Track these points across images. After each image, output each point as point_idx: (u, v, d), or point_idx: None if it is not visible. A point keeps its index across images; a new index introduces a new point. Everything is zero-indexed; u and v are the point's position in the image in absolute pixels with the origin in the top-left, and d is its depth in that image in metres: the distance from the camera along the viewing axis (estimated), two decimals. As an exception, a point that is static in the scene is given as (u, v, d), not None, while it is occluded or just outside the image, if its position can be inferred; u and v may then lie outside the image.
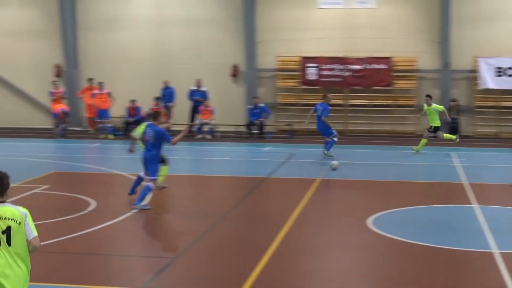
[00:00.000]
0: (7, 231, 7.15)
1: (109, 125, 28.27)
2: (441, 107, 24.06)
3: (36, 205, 15.67)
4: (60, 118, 27.84)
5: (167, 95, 28.73)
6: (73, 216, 14.52)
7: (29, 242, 7.24)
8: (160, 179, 16.36)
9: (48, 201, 16.24)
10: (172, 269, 11.14)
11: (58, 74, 30.62)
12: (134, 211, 14.89)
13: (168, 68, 29.97)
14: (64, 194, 16.74)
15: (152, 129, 15.13)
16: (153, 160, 15.20)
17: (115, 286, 10.26)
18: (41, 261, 11.43)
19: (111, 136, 27.96)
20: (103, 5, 30.50)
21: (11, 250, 7.13)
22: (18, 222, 7.21)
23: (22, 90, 31.17)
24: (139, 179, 15.94)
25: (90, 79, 29.13)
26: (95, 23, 30.45)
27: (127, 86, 29.89)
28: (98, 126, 28.86)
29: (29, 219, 7.34)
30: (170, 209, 16.07)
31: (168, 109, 27.54)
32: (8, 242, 7.13)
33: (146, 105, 27.99)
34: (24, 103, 31.29)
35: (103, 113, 28.24)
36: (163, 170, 16.71)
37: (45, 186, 17.50)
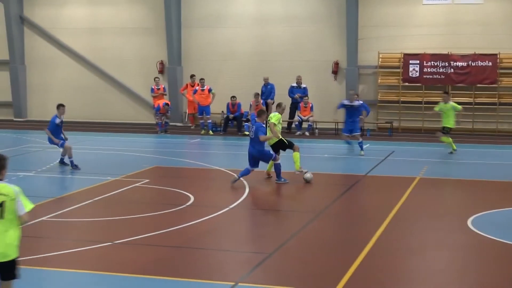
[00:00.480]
0: (1, 205, 8.05)
1: (209, 121, 28.66)
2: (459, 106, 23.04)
3: (137, 198, 16.16)
4: (162, 112, 28.38)
5: (267, 92, 28.90)
6: (172, 210, 14.83)
7: (20, 217, 8.15)
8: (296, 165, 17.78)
9: (148, 195, 16.64)
10: (268, 264, 11.21)
11: (161, 71, 31.27)
12: (233, 205, 15.08)
13: (268, 65, 30.13)
14: (163, 188, 17.08)
15: (254, 125, 16.57)
16: (261, 154, 17.03)
17: (212, 280, 10.39)
18: (140, 254, 11.77)
19: (211, 132, 28.33)
20: (207, 3, 30.90)
21: (3, 221, 8.07)
22: (11, 198, 8.09)
23: (127, 86, 31.97)
24: (247, 171, 16.99)
25: (192, 76, 29.59)
26: (199, 21, 30.91)
27: (227, 83, 30.24)
28: (199, 122, 29.30)
29: (22, 197, 8.22)
30: (267, 205, 16.13)
31: (267, 105, 27.68)
32: (1, 215, 8.05)
33: (246, 102, 28.27)
34: (128, 99, 32.09)
35: (204, 109, 28.64)
36: (295, 157, 17.85)
37: (145, 180, 17.91)
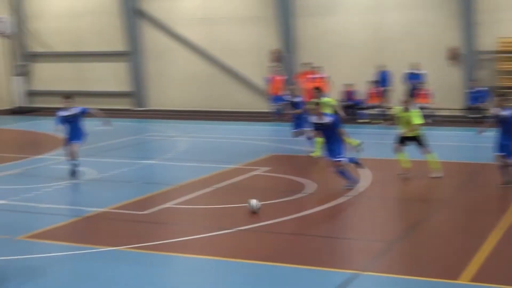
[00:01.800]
0: None
1: (325, 109, 28.55)
2: None
3: (257, 186, 16.34)
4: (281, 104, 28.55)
5: (383, 79, 28.64)
6: (291, 198, 14.93)
7: None
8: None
9: (268, 182, 16.78)
10: (389, 253, 11.16)
11: (277, 59, 31.37)
12: (353, 194, 15.05)
13: (384, 52, 29.74)
14: (283, 176, 17.19)
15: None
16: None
17: (334, 268, 10.44)
18: (261, 241, 11.92)
19: (327, 119, 28.22)
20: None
21: None
22: None
23: (241, 75, 32.29)
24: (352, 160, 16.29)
25: (307, 64, 29.57)
26: (312, 9, 30.83)
27: (343, 70, 30.05)
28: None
29: None
30: (388, 194, 15.92)
31: (384, 93, 27.35)
32: None
33: (362, 89, 28.12)
34: (243, 87, 32.38)
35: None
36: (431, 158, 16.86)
37: (265, 168, 18.09)
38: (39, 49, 35.79)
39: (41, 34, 35.32)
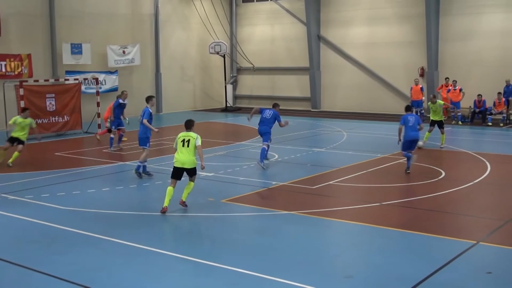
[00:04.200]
0: (188, 141, 11.86)
1: (459, 114, 27.33)
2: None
3: (399, 171, 15.94)
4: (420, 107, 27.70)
5: (508, 92, 26.94)
6: (427, 181, 14.46)
7: (197, 147, 11.83)
8: None
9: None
10: (505, 229, 10.51)
11: (422, 74, 30.40)
12: (477, 180, 14.31)
13: (510, 69, 27.87)
14: (420, 164, 16.66)
15: None
16: None
17: (458, 238, 10.06)
18: (401, 213, 11.67)
19: (460, 123, 27.02)
20: (460, 21, 29.35)
21: (189, 149, 11.82)
22: (193, 137, 11.86)
23: (394, 86, 31.55)
24: None
25: (446, 78, 28.39)
26: (454, 35, 29.50)
27: (475, 84, 28.53)
28: (451, 115, 28.02)
29: (199, 138, 11.94)
30: (504, 182, 14.91)
31: (509, 103, 25.66)
32: (188, 145, 11.80)
33: (490, 99, 26.62)
34: (395, 95, 31.64)
35: (455, 105, 27.36)
36: None
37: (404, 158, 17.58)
38: (245, 65, 36.94)
39: (247, 54, 36.41)
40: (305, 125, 26.80)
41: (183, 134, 12.01)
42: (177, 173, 11.88)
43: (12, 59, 25.40)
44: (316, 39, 33.74)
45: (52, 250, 9.47)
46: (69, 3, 28.20)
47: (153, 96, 15.76)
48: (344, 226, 10.92)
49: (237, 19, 37.61)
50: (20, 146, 17.25)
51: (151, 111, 15.48)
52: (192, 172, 11.94)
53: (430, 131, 20.31)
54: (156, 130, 15.78)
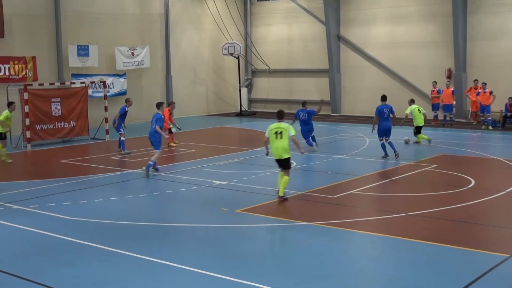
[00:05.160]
0: (281, 132, 13.29)
1: (489, 118, 27.12)
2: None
3: (425, 180, 15.85)
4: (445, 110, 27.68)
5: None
6: (455, 190, 14.33)
7: (290, 138, 13.27)
8: None
9: (435, 177, 16.22)
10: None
11: (449, 76, 30.22)
12: (509, 189, 14.16)
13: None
14: (449, 172, 16.56)
15: None
16: None
17: (489, 251, 9.91)
18: (424, 224, 11.57)
19: (490, 128, 26.80)
20: (489, 20, 29.16)
21: (282, 140, 13.30)
22: (285, 129, 13.30)
23: (417, 88, 31.39)
24: None
25: (475, 80, 28.20)
26: (482, 34, 29.33)
27: (506, 86, 28.30)
28: (480, 119, 27.83)
29: (291, 128, 13.36)
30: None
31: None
32: (281, 137, 13.26)
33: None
34: (420, 99, 31.42)
35: (485, 108, 27.16)
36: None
37: (433, 165, 17.50)
38: (260, 67, 36.98)
39: (263, 55, 36.46)
40: (324, 130, 26.72)
41: (275, 126, 13.45)
42: (279, 163, 13.52)
43: (16, 62, 25.66)
44: (335, 39, 33.71)
45: (58, 262, 9.51)
46: (75, 3, 28.44)
47: (163, 103, 17.78)
48: (367, 238, 10.85)
49: (252, 18, 37.70)
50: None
51: (163, 116, 17.10)
52: (286, 163, 13.41)
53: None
54: (167, 137, 16.99)
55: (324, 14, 33.46)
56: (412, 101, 23.07)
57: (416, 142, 22.20)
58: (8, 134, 20.22)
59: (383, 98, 19.35)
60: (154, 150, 16.99)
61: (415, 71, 31.52)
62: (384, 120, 18.80)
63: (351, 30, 33.58)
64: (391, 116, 18.94)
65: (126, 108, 20.67)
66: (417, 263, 9.42)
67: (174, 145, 22.23)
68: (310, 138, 20.74)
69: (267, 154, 14.01)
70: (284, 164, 13.41)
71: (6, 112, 19.55)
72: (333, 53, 33.56)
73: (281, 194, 13.36)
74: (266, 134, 13.66)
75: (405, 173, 16.53)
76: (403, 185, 15.19)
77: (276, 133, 13.36)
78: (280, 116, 13.60)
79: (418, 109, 22.50)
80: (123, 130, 20.58)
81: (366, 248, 10.44)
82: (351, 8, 33.48)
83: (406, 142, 22.02)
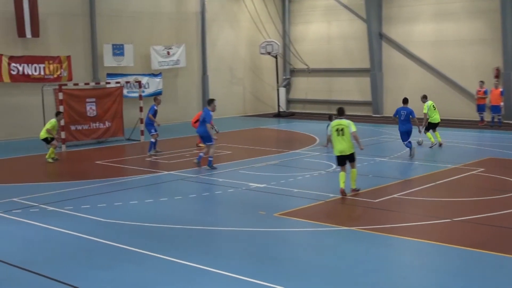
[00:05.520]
0: (342, 129, 14.02)
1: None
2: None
3: (471, 184, 15.58)
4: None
5: None
6: (503, 196, 14.05)
7: (352, 133, 14.05)
8: None
9: (482, 181, 15.95)
10: None
11: (497, 76, 29.68)
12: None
13: None
14: (497, 176, 16.25)
15: None
16: None
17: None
18: (473, 231, 11.36)
19: (541, 130, 26.26)
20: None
21: (344, 137, 14.05)
22: (346, 125, 14.01)
23: (464, 88, 30.93)
24: None
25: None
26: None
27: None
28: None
29: (352, 125, 14.13)
30: None
31: None
32: (342, 133, 14.02)
33: None
34: (465, 98, 31.03)
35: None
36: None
37: (480, 169, 17.20)
38: (299, 66, 36.92)
39: (301, 54, 36.39)
40: (365, 132, 26.49)
41: (336, 123, 14.17)
42: (341, 160, 14.18)
43: (51, 61, 26.13)
44: (377, 38, 33.45)
45: (92, 265, 9.62)
46: (110, 2, 28.83)
47: (214, 99, 18.43)
48: (410, 244, 10.70)
49: (290, 16, 37.66)
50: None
51: (212, 114, 17.92)
52: (351, 158, 14.19)
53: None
54: (215, 135, 18.31)
55: (365, 11, 33.24)
56: (425, 97, 22.51)
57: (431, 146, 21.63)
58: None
59: (405, 101, 20.21)
60: (207, 144, 17.99)
61: (461, 70, 31.07)
62: (401, 122, 19.67)
63: (393, 28, 33.28)
64: (411, 118, 19.66)
65: (155, 107, 20.79)
66: (463, 272, 9.25)
67: (202, 146, 22.19)
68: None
69: (326, 146, 15.26)
70: (349, 158, 14.22)
71: (53, 121, 20.30)
72: (375, 51, 33.30)
73: (353, 186, 14.26)
74: (328, 132, 14.54)
75: (451, 177, 16.27)
76: (448, 190, 14.95)
77: (337, 130, 14.09)
78: (340, 112, 14.38)
79: (433, 106, 22.08)
80: (156, 130, 20.65)
81: (410, 255, 10.30)
82: (394, 5, 33.19)
83: (419, 143, 21.73)
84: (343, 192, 14.04)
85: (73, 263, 9.70)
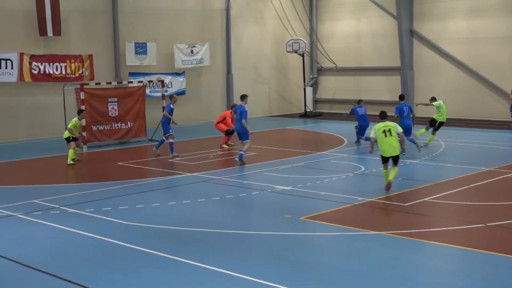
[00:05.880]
0: (390, 130, 14.71)
1: None
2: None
3: (506, 187, 15.42)
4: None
5: None
6: (541, 200, 13.85)
7: (399, 134, 14.88)
8: None
9: (519, 185, 15.74)
10: None
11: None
12: None
13: None
14: (534, 180, 16.02)
15: None
16: None
17: None
18: (509, 237, 11.20)
19: None
20: None
21: (392, 138, 14.75)
22: (392, 126, 14.82)
23: (500, 88, 30.56)
24: None
25: None
26: None
27: None
28: None
29: (397, 126, 14.98)
30: None
31: None
32: (390, 134, 14.69)
33: None
34: (501, 98, 30.66)
35: None
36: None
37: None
38: (326, 64, 36.82)
39: (329, 52, 36.29)
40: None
41: (382, 125, 14.81)
42: (386, 159, 14.94)
43: (72, 60, 26.43)
44: (408, 35, 33.20)
45: (113, 268, 9.69)
46: (133, -1, 29.07)
47: (247, 95, 19.65)
48: (442, 250, 10.60)
49: (318, 13, 37.57)
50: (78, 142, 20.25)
51: (246, 109, 18.91)
52: (396, 158, 14.92)
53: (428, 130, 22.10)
54: (251, 132, 19.17)
55: (395, 7, 33.00)
56: (434, 99, 22.34)
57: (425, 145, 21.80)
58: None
59: (401, 97, 21.37)
60: (243, 141, 18.93)
61: (496, 69, 30.70)
62: (404, 119, 20.52)
63: (425, 25, 33.01)
64: (411, 115, 20.75)
65: (172, 106, 20.82)
66: (496, 279, 9.13)
67: (226, 147, 22.28)
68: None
69: (370, 151, 15.47)
70: (396, 159, 14.95)
71: (75, 120, 20.28)
72: (405, 49, 33.05)
73: (391, 178, 14.81)
74: (372, 135, 14.99)
75: (484, 180, 16.09)
76: (483, 193, 14.79)
77: (384, 131, 14.71)
78: (383, 116, 15.07)
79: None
80: (172, 130, 20.72)
81: (441, 260, 10.19)
82: (426, 1, 32.93)
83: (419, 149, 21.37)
84: (389, 185, 14.71)
85: (93, 266, 9.78)
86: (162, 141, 20.99)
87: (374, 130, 14.91)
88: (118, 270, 9.61)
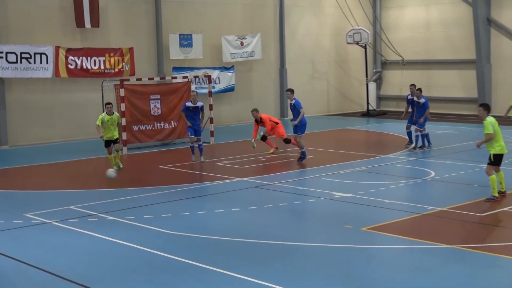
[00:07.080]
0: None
1: None
2: None
3: None
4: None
5: None
6: None
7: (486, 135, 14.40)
8: None
9: None
10: None
11: None
12: None
13: None
14: None
15: None
16: None
17: None
18: None
19: None
20: None
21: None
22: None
23: None
24: None
25: None
26: None
27: None
28: None
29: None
30: None
31: None
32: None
33: None
34: None
35: None
36: None
37: None
38: (392, 57, 36.53)
39: (395, 44, 36.00)
40: (470, 133, 25.94)
41: (495, 120, 14.43)
42: (500, 160, 14.71)
43: (112, 54, 26.88)
44: (485, 24, 32.69)
45: (154, 281, 9.79)
46: (177, -13, 29.40)
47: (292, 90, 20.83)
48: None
49: (382, 0, 37.31)
50: (117, 145, 19.58)
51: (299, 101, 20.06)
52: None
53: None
54: (295, 123, 20.00)
55: (471, -8, 32.61)
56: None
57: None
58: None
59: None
60: (299, 135, 20.01)
61: None
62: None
63: (504, 12, 32.45)
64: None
65: (188, 104, 20.57)
66: None
67: (271, 151, 21.87)
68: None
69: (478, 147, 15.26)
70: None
71: (101, 115, 19.36)
72: (482, 40, 32.54)
73: (503, 189, 14.80)
74: (491, 131, 14.38)
75: None
76: None
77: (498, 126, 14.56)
78: (489, 109, 14.69)
79: None
80: (192, 132, 20.43)
81: (521, 279, 10.01)
82: (505, -15, 32.40)
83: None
84: (503, 194, 14.73)
85: (133, 279, 9.91)
86: (192, 147, 20.69)
87: (491, 123, 14.35)
88: (160, 283, 9.71)
